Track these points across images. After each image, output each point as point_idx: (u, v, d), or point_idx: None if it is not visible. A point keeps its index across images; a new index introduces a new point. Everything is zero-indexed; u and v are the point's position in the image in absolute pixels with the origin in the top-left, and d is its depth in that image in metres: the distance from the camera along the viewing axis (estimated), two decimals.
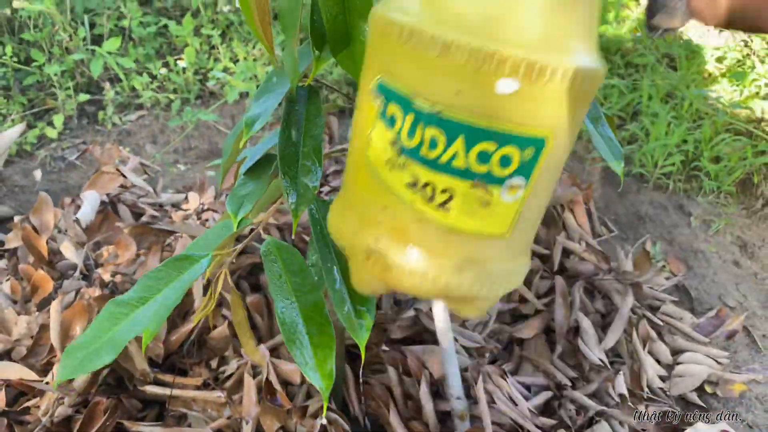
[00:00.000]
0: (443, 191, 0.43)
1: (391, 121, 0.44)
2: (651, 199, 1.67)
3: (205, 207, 1.34)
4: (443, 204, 0.43)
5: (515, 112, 0.40)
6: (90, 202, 1.12)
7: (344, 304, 0.62)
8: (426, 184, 0.43)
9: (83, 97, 1.92)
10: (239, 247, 0.60)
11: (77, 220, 1.08)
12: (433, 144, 0.42)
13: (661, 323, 1.18)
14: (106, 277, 1.06)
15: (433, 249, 0.45)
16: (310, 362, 0.52)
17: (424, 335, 1.10)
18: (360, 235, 0.48)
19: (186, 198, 1.40)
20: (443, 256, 0.45)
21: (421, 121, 0.42)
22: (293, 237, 1.22)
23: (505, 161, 0.41)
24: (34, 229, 1.10)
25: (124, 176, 1.18)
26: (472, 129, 0.40)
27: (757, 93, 1.94)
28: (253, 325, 1.14)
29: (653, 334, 1.13)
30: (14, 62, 1.97)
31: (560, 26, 0.40)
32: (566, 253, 1.21)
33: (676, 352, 1.18)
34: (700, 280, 1.43)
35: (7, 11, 2.01)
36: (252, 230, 1.19)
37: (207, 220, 1.30)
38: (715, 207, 1.66)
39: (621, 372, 1.03)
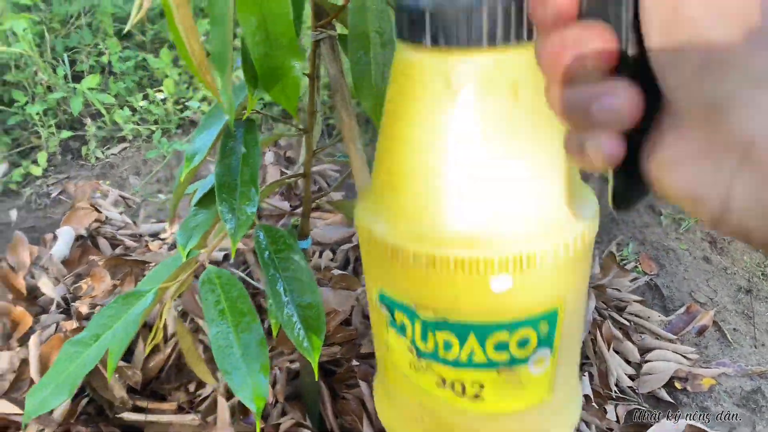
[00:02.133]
0: (472, 384, 0.42)
1: (402, 329, 0.43)
2: None
3: None
4: (476, 395, 0.43)
5: (517, 302, 0.39)
6: (64, 238, 1.16)
7: (293, 328, 0.66)
8: (454, 381, 0.42)
9: (66, 133, 1.97)
10: (183, 277, 0.63)
11: (50, 256, 1.12)
12: (447, 345, 0.41)
13: (628, 323, 1.21)
14: (84, 309, 1.09)
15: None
16: (245, 387, 0.55)
17: None
18: (408, 429, 0.49)
19: (165, 228, 1.44)
20: None
21: (429, 328, 0.41)
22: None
23: (522, 343, 0.40)
24: (11, 267, 1.13)
25: (99, 211, 1.21)
26: (480, 326, 0.40)
27: None
28: None
29: (619, 334, 1.16)
30: None
31: (540, 209, 0.38)
32: None
33: (644, 350, 1.20)
34: (672, 278, 1.46)
35: None
36: (220, 257, 1.22)
37: None
38: None
39: (586, 373, 1.06)
